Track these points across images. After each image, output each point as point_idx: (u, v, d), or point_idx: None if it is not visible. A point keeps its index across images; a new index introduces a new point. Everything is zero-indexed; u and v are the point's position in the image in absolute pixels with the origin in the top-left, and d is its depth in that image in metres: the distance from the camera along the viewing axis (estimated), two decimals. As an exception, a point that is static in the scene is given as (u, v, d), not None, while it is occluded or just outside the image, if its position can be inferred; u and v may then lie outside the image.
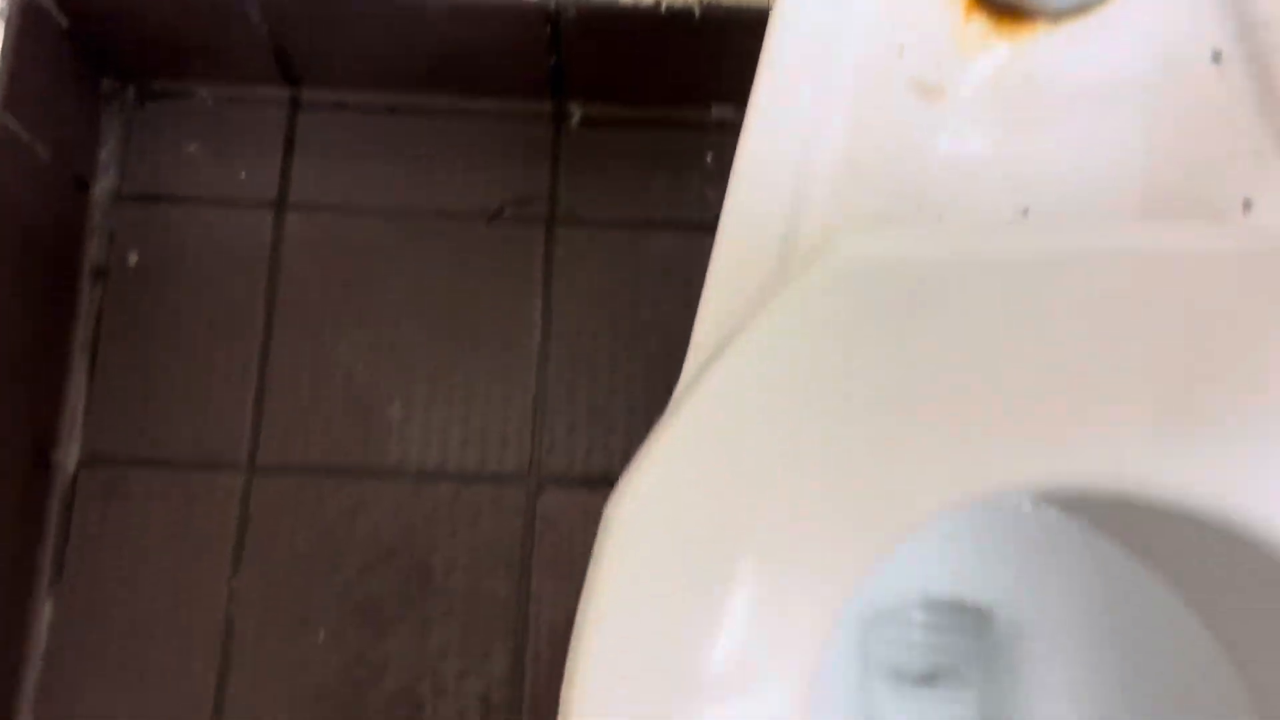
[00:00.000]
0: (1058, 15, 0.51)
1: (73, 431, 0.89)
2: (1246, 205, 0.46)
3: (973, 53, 0.51)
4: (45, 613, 0.86)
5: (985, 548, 0.59)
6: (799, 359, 0.41)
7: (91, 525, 0.87)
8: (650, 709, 0.39)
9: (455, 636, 0.86)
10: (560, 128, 0.94)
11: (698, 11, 0.84)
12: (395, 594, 0.87)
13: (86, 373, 0.90)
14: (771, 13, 0.50)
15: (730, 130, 0.82)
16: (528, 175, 0.93)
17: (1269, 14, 0.49)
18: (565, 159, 0.94)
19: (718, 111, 0.95)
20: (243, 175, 0.93)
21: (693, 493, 0.40)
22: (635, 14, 0.84)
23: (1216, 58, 0.50)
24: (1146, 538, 0.52)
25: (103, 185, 0.92)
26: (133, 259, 0.91)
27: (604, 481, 0.88)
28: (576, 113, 0.95)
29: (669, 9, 0.84)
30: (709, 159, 0.94)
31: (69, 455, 0.88)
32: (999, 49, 0.51)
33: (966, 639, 0.64)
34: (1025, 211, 0.50)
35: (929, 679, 0.64)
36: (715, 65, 0.89)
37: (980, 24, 0.51)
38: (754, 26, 0.51)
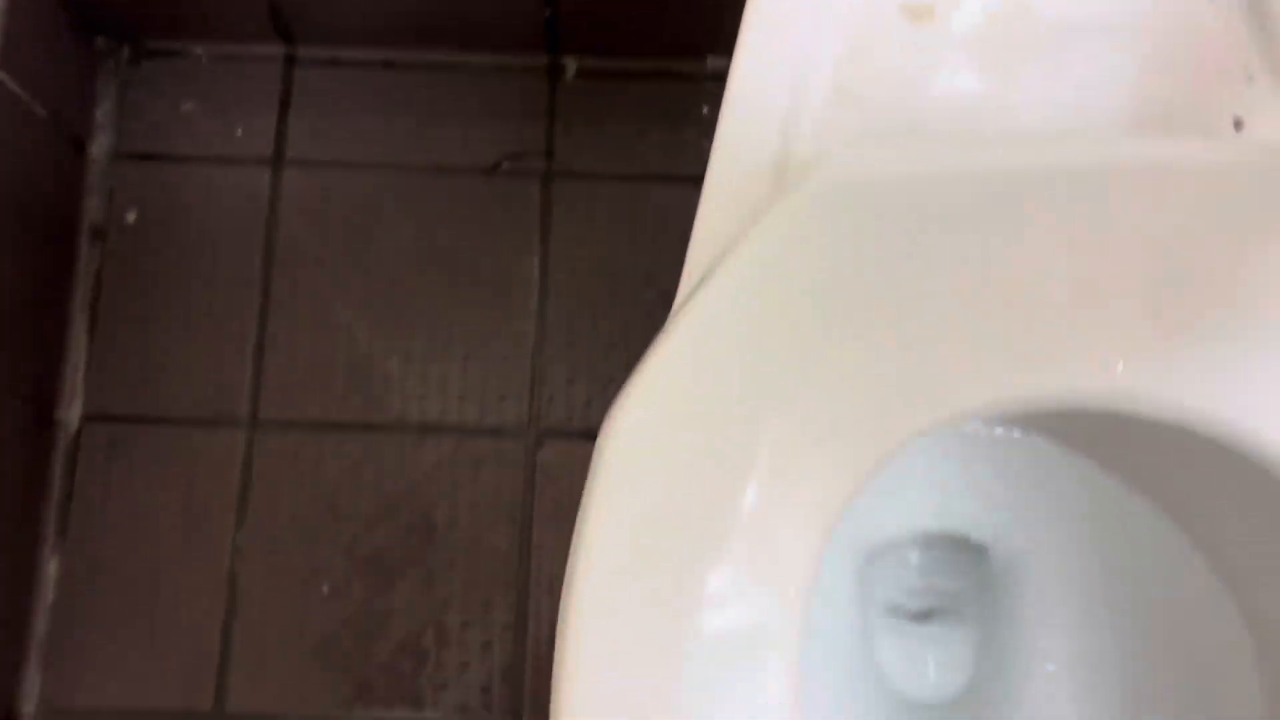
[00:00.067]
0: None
1: (74, 390, 0.89)
2: (1237, 124, 0.46)
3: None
4: (51, 569, 0.86)
5: (978, 483, 0.60)
6: (791, 275, 0.41)
7: (95, 482, 0.88)
8: (648, 616, 0.39)
9: (458, 588, 0.87)
10: (556, 81, 0.94)
11: (691, -40, 0.84)
12: (398, 547, 0.87)
13: (87, 331, 0.90)
14: (762, -59, 0.50)
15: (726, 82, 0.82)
16: (524, 129, 0.93)
17: (1259, -64, 0.49)
18: (561, 113, 0.94)
19: (713, 63, 0.95)
20: (239, 133, 0.93)
21: (686, 407, 0.40)
22: (629, -36, 0.84)
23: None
24: (1139, 461, 0.53)
25: (99, 144, 0.92)
26: (131, 217, 0.92)
27: (603, 432, 0.89)
28: (572, 66, 0.95)
29: (662, -42, 0.84)
30: (705, 111, 0.94)
31: (71, 413, 0.89)
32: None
33: (962, 575, 0.64)
34: (1017, 139, 0.50)
35: (926, 615, 0.65)
36: (710, 17, 0.89)
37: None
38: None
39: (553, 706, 0.39)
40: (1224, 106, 0.47)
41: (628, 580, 0.41)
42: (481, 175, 0.93)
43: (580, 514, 0.41)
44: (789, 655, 0.41)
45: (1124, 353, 0.41)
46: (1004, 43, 0.50)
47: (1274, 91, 0.47)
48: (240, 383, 0.89)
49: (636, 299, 0.91)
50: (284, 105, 0.94)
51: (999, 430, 0.56)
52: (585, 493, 0.42)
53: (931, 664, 0.63)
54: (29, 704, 0.84)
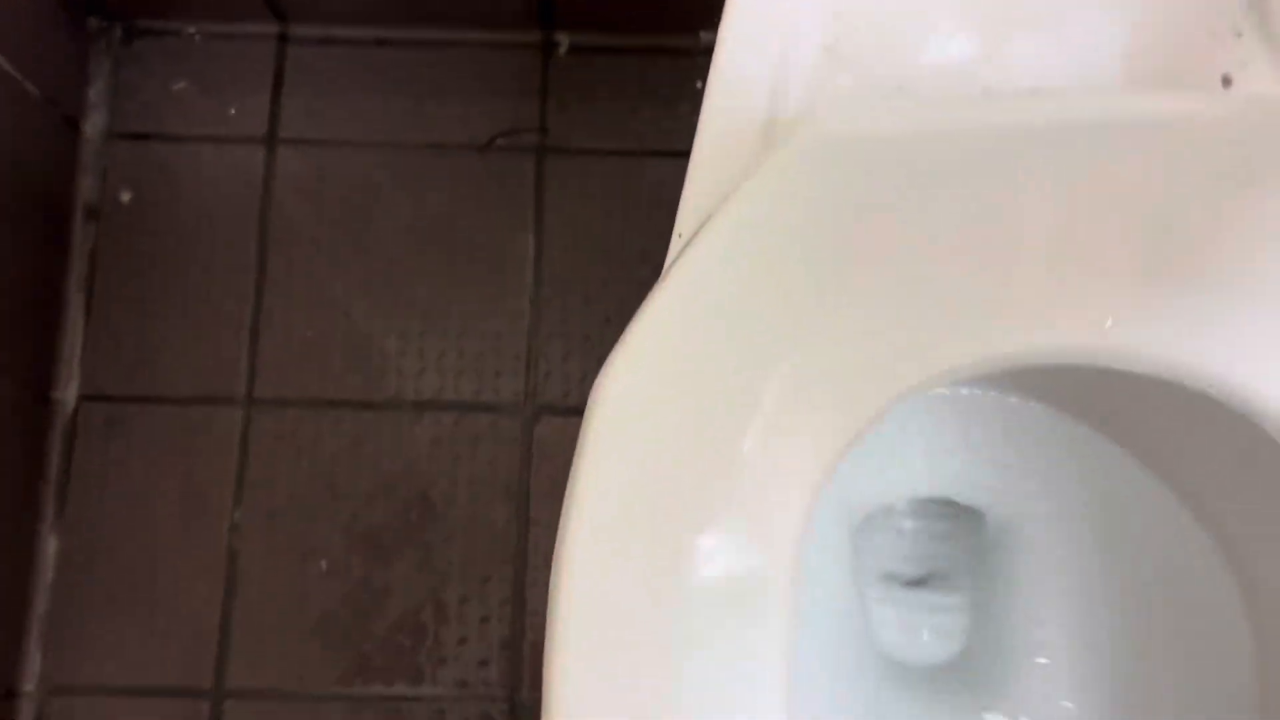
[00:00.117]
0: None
1: (71, 370, 0.89)
2: (1226, 81, 0.46)
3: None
4: (50, 548, 0.86)
5: (970, 448, 0.60)
6: (779, 233, 0.41)
7: (93, 461, 0.88)
8: (639, 577, 0.39)
9: (456, 564, 0.87)
10: (549, 58, 0.94)
11: (683, -67, 0.84)
12: (396, 524, 0.87)
13: (83, 311, 0.90)
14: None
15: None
16: (517, 106, 0.93)
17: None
18: (555, 89, 0.94)
19: (706, 39, 0.94)
20: (233, 112, 0.93)
21: (674, 369, 0.41)
22: (620, -62, 0.84)
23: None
24: (1130, 420, 0.53)
25: (93, 124, 0.92)
26: (125, 197, 0.92)
27: (600, 408, 0.89)
28: (564, 42, 0.94)
29: (654, -69, 0.84)
30: (699, 86, 0.94)
31: (68, 393, 0.89)
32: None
33: (957, 541, 0.64)
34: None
35: (920, 582, 0.65)
36: (703, -9, 0.89)
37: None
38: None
39: (545, 665, 0.39)
40: (1213, 64, 0.47)
41: (618, 542, 0.41)
42: (475, 152, 0.93)
43: (570, 477, 0.42)
44: (781, 613, 0.41)
45: (1113, 308, 0.41)
46: (995, 4, 0.50)
47: (1262, 48, 0.47)
48: (237, 362, 0.89)
49: (632, 274, 0.91)
50: (277, 84, 0.94)
51: (991, 393, 0.56)
52: (575, 457, 0.42)
53: (926, 629, 0.63)
54: (29, 682, 0.85)
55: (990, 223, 0.42)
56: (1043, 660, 0.61)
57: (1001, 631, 0.62)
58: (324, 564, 0.87)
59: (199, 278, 0.90)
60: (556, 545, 0.40)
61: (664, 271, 0.44)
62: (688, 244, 0.42)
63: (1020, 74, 0.51)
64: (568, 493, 0.41)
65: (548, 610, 0.41)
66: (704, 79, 0.93)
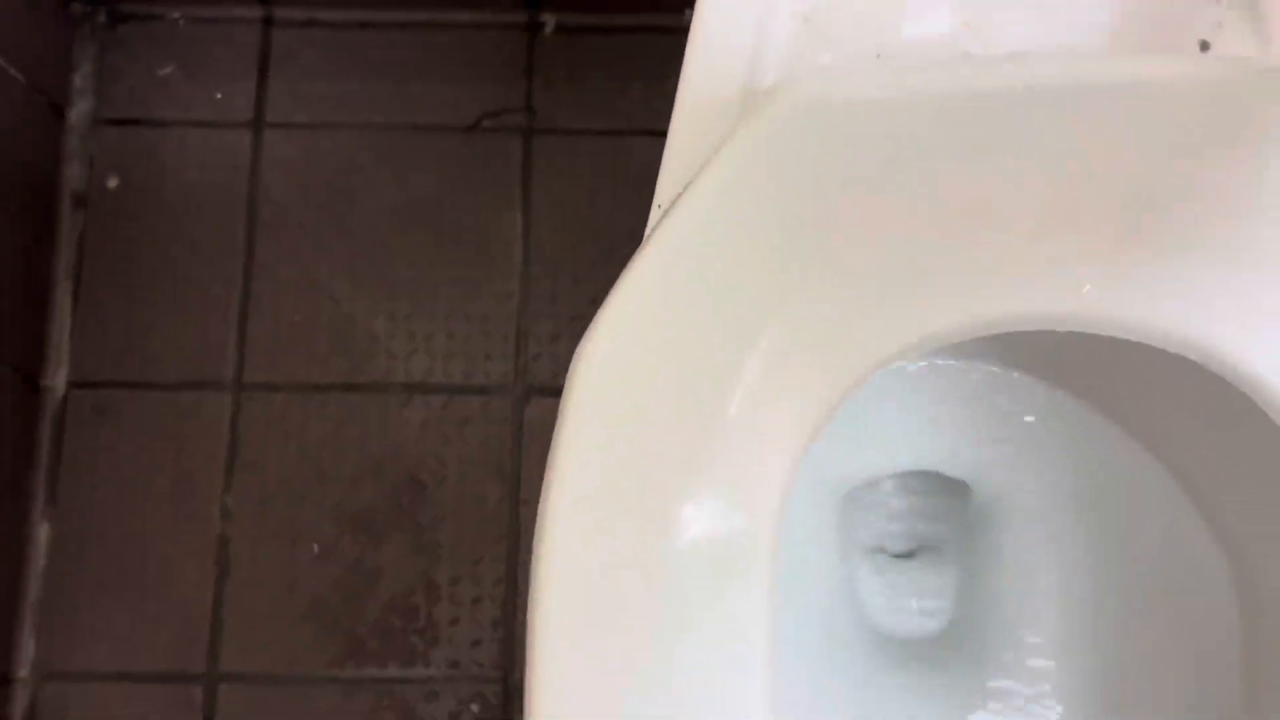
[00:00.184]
0: None
1: (60, 356, 0.89)
2: (1204, 46, 0.46)
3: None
4: (42, 534, 0.87)
5: (954, 420, 0.60)
6: (757, 200, 0.41)
7: (83, 448, 0.88)
8: (621, 543, 0.39)
9: (447, 546, 0.87)
10: (534, 37, 0.94)
11: (667, -90, 0.83)
12: (387, 506, 0.87)
13: (71, 298, 0.90)
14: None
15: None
16: (503, 87, 0.93)
17: None
18: (540, 69, 0.93)
19: (692, 16, 0.94)
20: (218, 96, 0.93)
21: (654, 335, 0.41)
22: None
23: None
24: (1110, 387, 0.53)
25: (79, 110, 0.92)
26: (112, 183, 0.91)
27: (589, 388, 0.89)
28: (550, 21, 0.94)
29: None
30: (685, 65, 0.93)
31: (57, 380, 0.89)
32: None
33: (944, 514, 0.64)
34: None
35: (909, 555, 0.65)
36: (688, -31, 0.88)
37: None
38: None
39: (528, 629, 0.39)
40: (1191, 30, 0.47)
41: (600, 510, 0.41)
42: (462, 134, 0.92)
43: (552, 446, 0.42)
44: (764, 578, 0.41)
45: (1090, 273, 0.41)
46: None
47: (1240, 12, 0.47)
48: (225, 346, 0.89)
49: (620, 254, 0.89)
50: (263, 68, 0.93)
51: (974, 365, 0.56)
52: (556, 426, 0.42)
53: (914, 602, 0.63)
54: (23, 669, 0.85)
55: (967, 189, 0.42)
56: (1030, 634, 0.62)
57: (989, 604, 0.62)
58: (315, 547, 0.87)
59: (186, 263, 0.90)
60: (539, 513, 0.40)
61: (643, 241, 0.44)
62: (666, 212, 0.42)
63: (1002, 46, 0.51)
64: (549, 461, 0.41)
65: (530, 578, 0.41)
66: (691, 58, 0.93)
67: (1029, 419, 0.58)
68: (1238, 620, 0.55)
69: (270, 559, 0.87)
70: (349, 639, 0.85)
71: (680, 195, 0.41)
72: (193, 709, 0.85)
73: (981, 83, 0.41)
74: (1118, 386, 0.53)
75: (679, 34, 0.93)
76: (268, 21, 0.94)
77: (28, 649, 0.85)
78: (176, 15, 0.94)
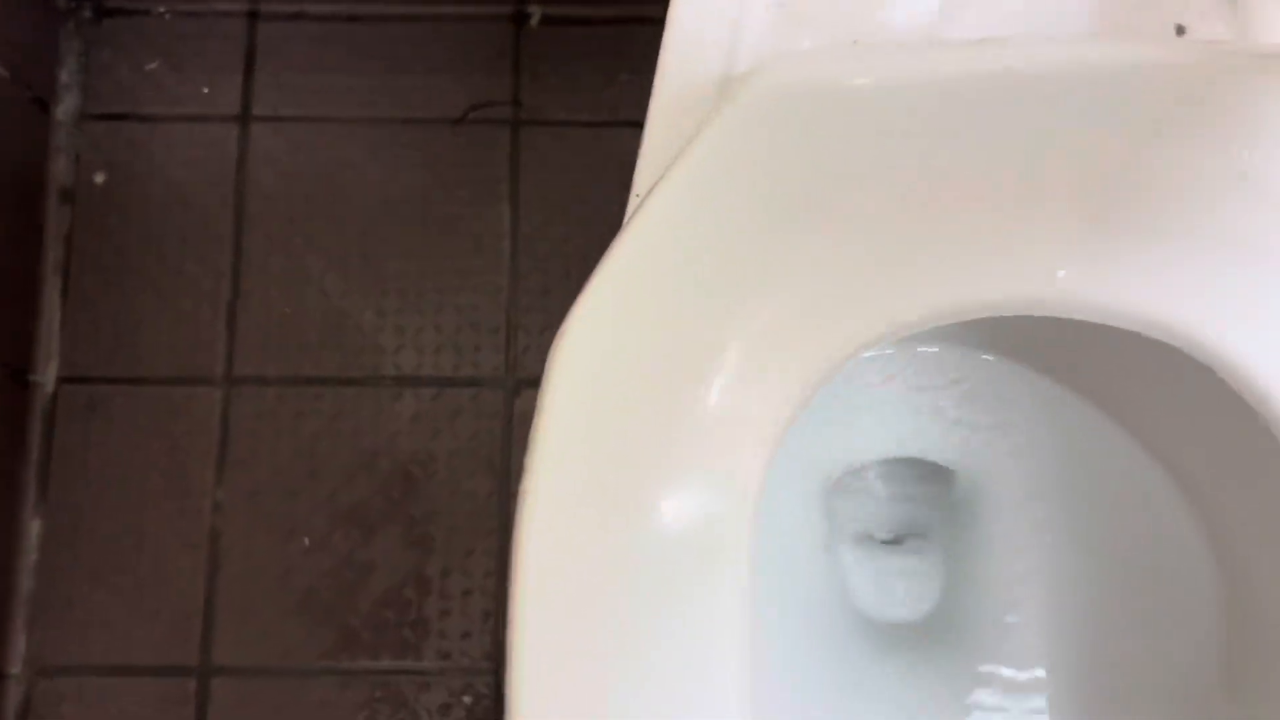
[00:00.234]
0: None
1: (50, 352, 0.89)
2: (1180, 30, 0.46)
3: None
4: (34, 529, 0.87)
5: (935, 406, 0.60)
6: (732, 187, 0.41)
7: (74, 443, 0.88)
8: (600, 526, 0.39)
9: (439, 538, 0.87)
10: (521, 29, 0.94)
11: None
12: (378, 499, 0.88)
13: (60, 293, 0.90)
14: None
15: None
16: (490, 78, 0.93)
17: None
18: (527, 60, 0.93)
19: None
20: (205, 90, 0.93)
21: (635, 316, 0.41)
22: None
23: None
24: (1090, 371, 0.53)
25: (65, 106, 0.92)
26: (100, 179, 0.91)
27: (579, 379, 0.89)
28: (536, 13, 0.94)
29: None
30: (672, 55, 0.93)
31: (47, 376, 0.89)
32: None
33: (928, 500, 0.65)
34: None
35: (896, 540, 0.65)
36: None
37: None
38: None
39: (509, 612, 0.39)
40: (1168, 14, 0.47)
41: (578, 498, 0.41)
42: (450, 126, 0.92)
43: (531, 433, 0.42)
44: (742, 562, 0.41)
45: (1064, 258, 0.41)
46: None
47: (1216, -4, 0.47)
48: (215, 340, 0.89)
49: (609, 245, 0.90)
50: (250, 61, 0.93)
51: (955, 350, 0.57)
52: (536, 413, 0.42)
53: (901, 587, 0.63)
54: (15, 664, 0.85)
55: (940, 175, 0.42)
56: (1017, 619, 0.62)
57: (975, 589, 0.62)
58: (307, 540, 0.87)
59: (175, 258, 0.90)
60: (518, 504, 0.40)
61: (620, 230, 0.44)
62: (644, 199, 0.42)
63: (979, 31, 0.50)
64: (528, 451, 0.41)
65: (510, 570, 0.41)
66: (678, 48, 0.93)
67: (1013, 405, 0.58)
68: (1221, 605, 0.55)
69: (262, 552, 0.87)
70: (341, 632, 0.85)
71: (657, 183, 0.41)
72: (186, 702, 0.85)
73: (952, 68, 0.41)
74: (1100, 372, 0.53)
75: (664, 24, 0.94)
76: (254, 15, 0.94)
77: (20, 645, 0.85)
78: (162, 9, 0.94)
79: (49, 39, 0.91)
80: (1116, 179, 0.41)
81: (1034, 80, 0.41)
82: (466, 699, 0.85)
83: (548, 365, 0.41)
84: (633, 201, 0.45)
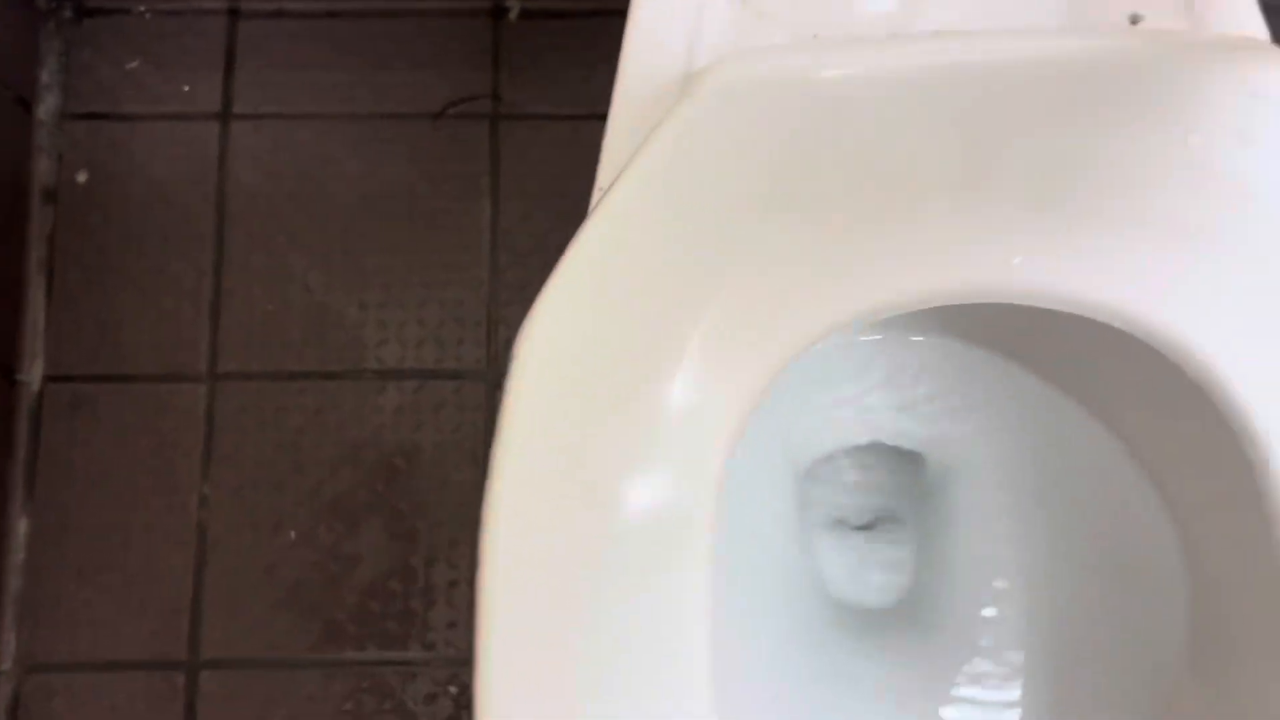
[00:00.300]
0: None
1: (35, 351, 0.90)
2: (1134, 20, 0.46)
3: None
4: (22, 528, 0.87)
5: (903, 394, 0.60)
6: (692, 180, 0.42)
7: (60, 442, 0.89)
8: (566, 513, 0.40)
9: (423, 529, 0.88)
10: (499, 24, 0.94)
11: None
12: (362, 492, 0.88)
13: (44, 292, 0.90)
14: None
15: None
16: (469, 73, 0.94)
17: None
18: (506, 55, 0.94)
19: None
20: (186, 88, 0.93)
21: (597, 310, 0.41)
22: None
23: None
24: (1052, 356, 0.54)
25: (46, 105, 0.92)
26: (82, 178, 0.92)
27: (560, 371, 0.89)
28: (515, 7, 0.94)
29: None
30: (650, 47, 0.94)
31: (32, 375, 0.89)
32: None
33: (899, 486, 0.65)
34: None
35: (868, 527, 0.66)
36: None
37: None
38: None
39: (477, 599, 0.40)
40: (1124, 4, 0.48)
41: (544, 488, 0.42)
42: (430, 121, 0.93)
43: (498, 425, 0.42)
44: (705, 553, 0.42)
45: (1020, 245, 0.42)
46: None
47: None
48: (199, 337, 0.90)
49: (589, 238, 0.91)
50: (230, 59, 0.94)
51: (926, 339, 0.57)
52: (501, 405, 0.43)
53: (875, 573, 0.64)
54: (5, 661, 0.86)
55: (897, 164, 0.42)
56: (988, 601, 0.62)
57: (947, 575, 0.63)
58: (292, 534, 0.87)
59: (158, 256, 0.91)
60: (485, 491, 0.41)
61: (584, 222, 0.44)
62: (606, 193, 0.42)
63: (939, 24, 0.51)
64: (494, 442, 0.42)
65: (476, 560, 0.42)
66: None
67: (982, 390, 0.59)
68: (1186, 586, 0.55)
69: (249, 546, 0.87)
70: (328, 624, 0.86)
71: (617, 177, 0.42)
72: (175, 696, 0.86)
73: (905, 61, 0.41)
74: (1062, 357, 0.53)
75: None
76: (234, 13, 0.94)
77: (9, 642, 0.86)
78: (142, 8, 0.94)
79: (30, 39, 0.92)
80: (1070, 167, 0.42)
81: (985, 72, 0.42)
82: (452, 689, 0.85)
83: (512, 356, 0.42)
84: (596, 195, 0.46)
